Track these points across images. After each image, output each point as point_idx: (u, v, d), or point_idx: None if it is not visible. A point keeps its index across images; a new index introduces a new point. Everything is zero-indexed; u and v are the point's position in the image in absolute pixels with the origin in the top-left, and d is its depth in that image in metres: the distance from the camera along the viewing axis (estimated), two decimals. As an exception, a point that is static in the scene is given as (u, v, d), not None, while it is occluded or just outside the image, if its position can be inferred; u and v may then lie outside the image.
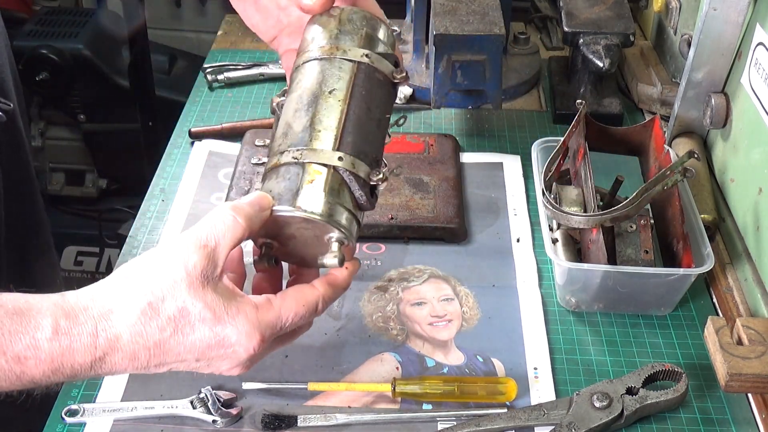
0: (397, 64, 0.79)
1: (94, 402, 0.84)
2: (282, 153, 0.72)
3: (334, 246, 0.70)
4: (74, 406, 0.83)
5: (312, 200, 0.69)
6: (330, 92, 0.74)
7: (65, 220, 2.18)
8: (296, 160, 0.71)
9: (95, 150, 2.20)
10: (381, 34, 0.80)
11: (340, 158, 0.71)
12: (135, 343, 0.63)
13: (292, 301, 0.68)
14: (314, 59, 0.76)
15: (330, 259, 0.70)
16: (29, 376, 0.61)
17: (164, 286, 0.64)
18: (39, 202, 1.25)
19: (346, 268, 0.72)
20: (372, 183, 0.72)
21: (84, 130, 2.15)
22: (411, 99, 1.32)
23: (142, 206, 1.11)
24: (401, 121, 0.85)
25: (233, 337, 0.65)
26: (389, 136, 0.79)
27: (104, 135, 2.16)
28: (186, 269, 0.64)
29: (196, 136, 1.23)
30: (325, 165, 0.71)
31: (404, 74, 0.79)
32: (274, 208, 0.69)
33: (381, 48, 0.79)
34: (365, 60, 0.76)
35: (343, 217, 0.70)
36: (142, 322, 0.63)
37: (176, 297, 0.64)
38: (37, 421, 0.84)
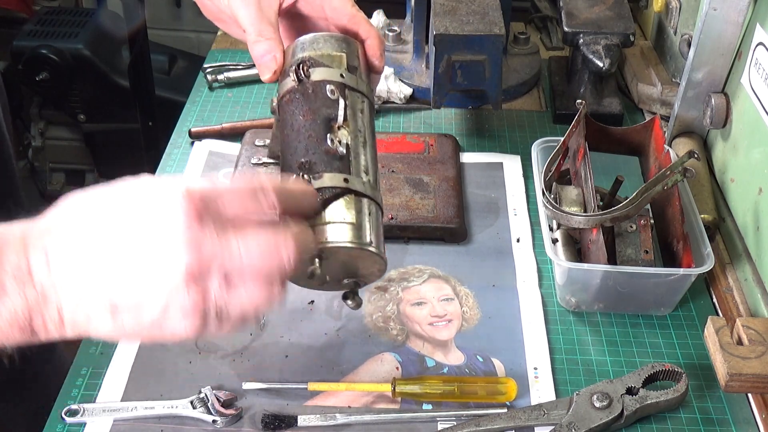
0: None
1: (94, 402, 0.84)
2: (365, 182, 0.75)
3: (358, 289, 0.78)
4: (74, 406, 0.83)
5: (376, 237, 0.74)
6: (364, 129, 0.78)
7: (65, 220, 2.18)
8: (360, 192, 0.73)
9: (95, 150, 2.20)
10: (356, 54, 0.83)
11: (381, 199, 0.77)
12: (66, 217, 0.58)
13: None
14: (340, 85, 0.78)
15: (352, 301, 0.77)
16: None
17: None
18: (23, 210, 1.24)
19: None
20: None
21: (84, 130, 2.15)
22: (411, 99, 1.32)
23: (142, 206, 1.11)
24: None
25: (160, 180, 0.58)
26: None
27: (104, 135, 2.16)
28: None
29: (196, 136, 1.23)
30: (376, 202, 0.75)
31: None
32: (349, 242, 0.71)
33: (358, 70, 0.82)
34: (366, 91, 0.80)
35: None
36: (76, 204, 0.59)
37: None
38: (37, 421, 0.84)
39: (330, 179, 0.72)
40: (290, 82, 0.78)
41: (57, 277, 0.57)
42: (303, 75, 0.77)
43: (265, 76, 0.79)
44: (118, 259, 0.57)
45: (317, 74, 0.77)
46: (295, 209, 0.65)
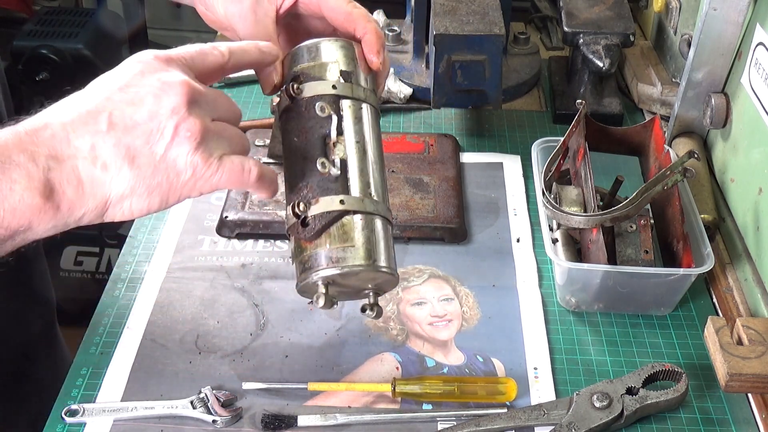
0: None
1: (94, 402, 0.84)
2: (367, 200, 0.74)
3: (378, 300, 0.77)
4: (74, 406, 0.83)
5: (392, 260, 0.75)
6: (363, 139, 0.76)
7: (65, 220, 2.18)
8: (368, 211, 0.73)
9: (95, 150, 2.20)
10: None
11: (386, 209, 0.76)
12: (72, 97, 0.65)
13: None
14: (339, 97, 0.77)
15: (372, 312, 0.76)
16: None
17: None
18: None
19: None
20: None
21: (84, 130, 2.15)
22: (411, 99, 1.32)
23: (142, 206, 1.11)
24: None
25: (149, 54, 0.67)
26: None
27: (104, 135, 2.16)
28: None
29: (196, 136, 1.23)
30: (385, 218, 0.75)
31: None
32: (373, 265, 0.72)
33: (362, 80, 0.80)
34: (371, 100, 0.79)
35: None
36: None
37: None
38: (37, 421, 0.84)
39: (325, 204, 0.72)
40: (285, 100, 0.77)
41: (64, 130, 0.63)
42: (294, 93, 0.75)
43: (266, 92, 0.79)
44: (121, 96, 0.64)
45: (308, 90, 0.75)
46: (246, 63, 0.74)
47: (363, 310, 0.76)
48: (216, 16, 0.83)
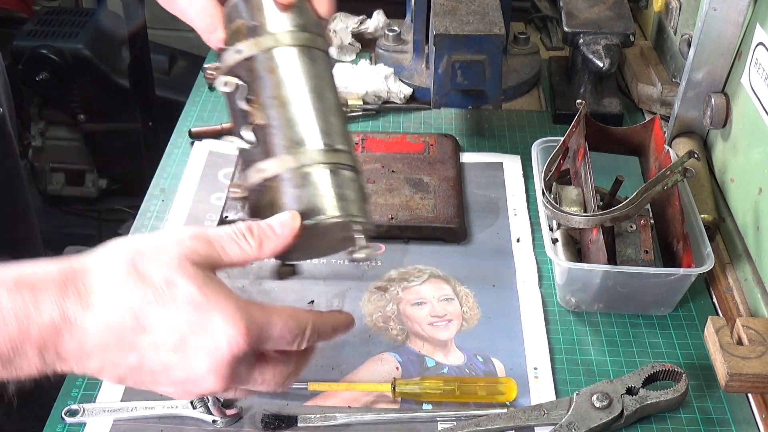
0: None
1: (94, 402, 0.84)
2: (291, 156, 0.67)
3: (362, 241, 0.68)
4: (74, 406, 0.83)
5: (348, 203, 0.67)
6: (281, 91, 0.69)
7: (65, 220, 2.18)
8: (316, 163, 0.67)
9: (95, 150, 2.20)
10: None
11: (343, 152, 0.69)
12: (110, 302, 0.56)
13: (284, 311, 0.64)
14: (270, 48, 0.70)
15: (360, 253, 0.69)
16: None
17: (152, 252, 0.58)
18: (29, 210, 1.23)
19: (349, 319, 0.72)
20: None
21: (84, 130, 2.15)
22: (411, 99, 1.32)
23: (142, 206, 1.11)
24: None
25: (218, 320, 0.58)
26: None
27: (104, 135, 2.16)
28: (180, 247, 0.59)
29: (196, 136, 1.23)
30: (338, 164, 0.68)
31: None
32: (313, 220, 0.66)
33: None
34: (314, 44, 0.71)
35: (366, 210, 0.69)
36: (120, 280, 0.56)
37: (163, 264, 0.58)
38: (37, 421, 0.84)
39: (249, 177, 0.68)
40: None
41: (85, 353, 0.58)
42: (210, 81, 0.71)
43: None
44: (171, 357, 0.59)
45: (223, 66, 0.70)
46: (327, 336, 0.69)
47: (352, 257, 0.70)
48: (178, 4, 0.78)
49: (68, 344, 0.56)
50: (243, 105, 0.68)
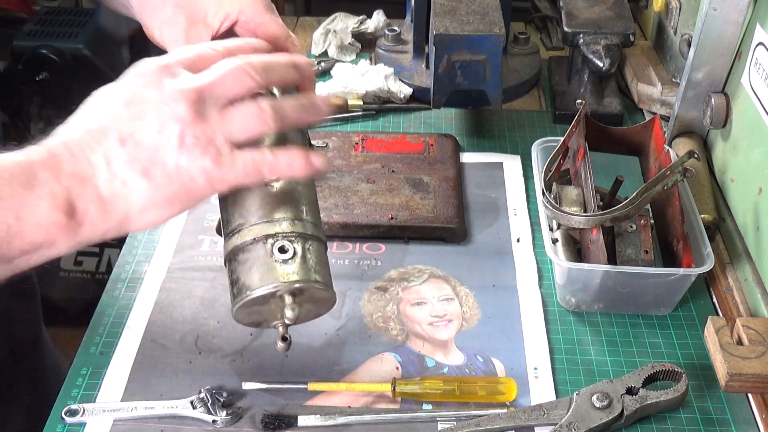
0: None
1: (94, 402, 0.84)
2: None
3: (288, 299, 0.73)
4: (74, 406, 0.83)
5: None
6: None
7: (65, 219, 2.17)
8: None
9: (95, 150, 2.20)
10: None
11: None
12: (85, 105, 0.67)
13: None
14: None
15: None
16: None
17: None
18: None
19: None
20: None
21: (84, 130, 2.15)
22: (411, 99, 1.32)
23: (142, 206, 1.11)
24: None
25: (149, 64, 0.68)
26: None
27: (104, 135, 2.16)
28: None
29: (196, 136, 1.23)
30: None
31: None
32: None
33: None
34: None
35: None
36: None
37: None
38: (37, 421, 0.84)
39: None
40: None
41: (80, 149, 0.64)
42: None
43: None
44: (126, 112, 0.65)
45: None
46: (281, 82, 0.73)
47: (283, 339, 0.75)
48: (153, 37, 0.84)
49: (64, 152, 0.64)
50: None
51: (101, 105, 0.67)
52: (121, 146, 0.64)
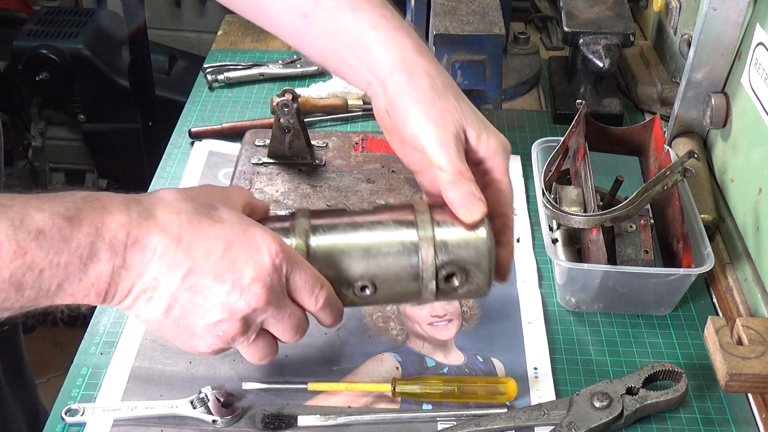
0: None
1: (94, 402, 0.84)
2: None
3: None
4: (74, 406, 0.83)
5: None
6: None
7: (65, 220, 2.17)
8: None
9: (95, 150, 2.20)
10: None
11: None
12: (168, 212, 0.63)
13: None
14: None
15: None
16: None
17: (196, 189, 0.69)
18: None
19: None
20: None
21: (84, 130, 2.15)
22: (411, 99, 1.31)
23: (142, 206, 1.11)
24: None
25: (258, 233, 0.65)
26: None
27: (104, 135, 2.16)
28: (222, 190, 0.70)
29: (196, 136, 1.23)
30: None
31: None
32: None
33: None
34: None
35: None
36: (176, 199, 0.65)
37: (207, 196, 0.68)
38: (37, 421, 0.84)
39: None
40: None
41: (147, 259, 0.62)
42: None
43: (474, 217, 0.71)
44: (217, 270, 0.64)
45: None
46: None
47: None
48: (402, 134, 0.76)
49: (133, 251, 0.62)
50: None
51: (202, 243, 0.64)
52: (180, 280, 0.63)
